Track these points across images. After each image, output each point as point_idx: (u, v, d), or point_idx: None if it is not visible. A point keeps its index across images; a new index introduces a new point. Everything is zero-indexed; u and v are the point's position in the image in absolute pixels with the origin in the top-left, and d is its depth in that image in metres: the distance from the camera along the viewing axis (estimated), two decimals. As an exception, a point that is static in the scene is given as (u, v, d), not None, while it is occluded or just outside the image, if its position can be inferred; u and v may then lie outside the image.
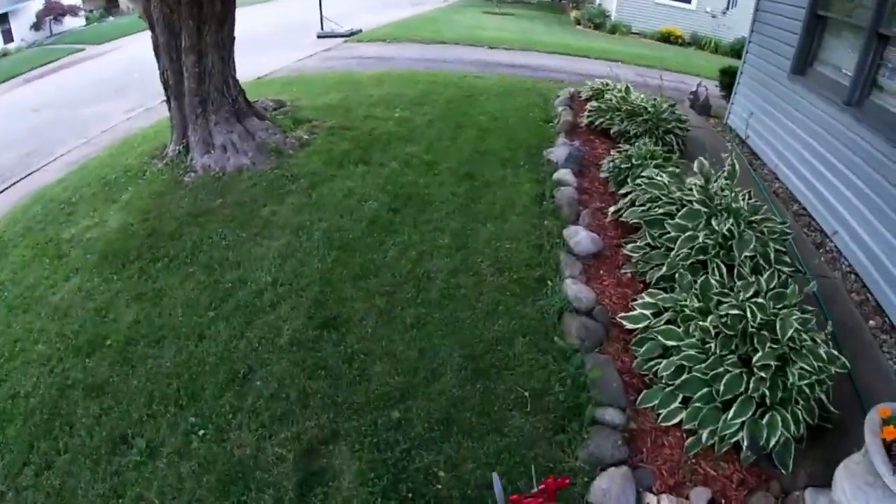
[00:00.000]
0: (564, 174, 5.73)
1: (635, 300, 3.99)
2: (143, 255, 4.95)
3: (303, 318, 4.09)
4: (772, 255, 3.97)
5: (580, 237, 4.64)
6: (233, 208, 5.58)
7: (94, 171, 7.00)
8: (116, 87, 12.47)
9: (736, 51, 20.30)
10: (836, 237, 5.28)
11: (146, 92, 10.41)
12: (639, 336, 3.72)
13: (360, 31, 17.61)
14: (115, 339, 4.03)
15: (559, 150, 6.20)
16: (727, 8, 20.26)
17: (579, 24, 23.78)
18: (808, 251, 5.20)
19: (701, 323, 3.41)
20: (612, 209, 5.16)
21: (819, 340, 3.30)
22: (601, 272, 4.52)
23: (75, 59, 18.71)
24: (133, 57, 15.21)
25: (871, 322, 4.41)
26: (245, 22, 22.34)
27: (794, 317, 3.30)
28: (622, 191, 5.29)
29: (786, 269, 4.01)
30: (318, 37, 16.69)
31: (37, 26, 28.54)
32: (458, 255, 4.68)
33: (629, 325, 3.78)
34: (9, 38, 26.92)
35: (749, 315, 3.29)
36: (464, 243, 4.83)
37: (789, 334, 3.17)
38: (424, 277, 4.43)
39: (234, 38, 6.78)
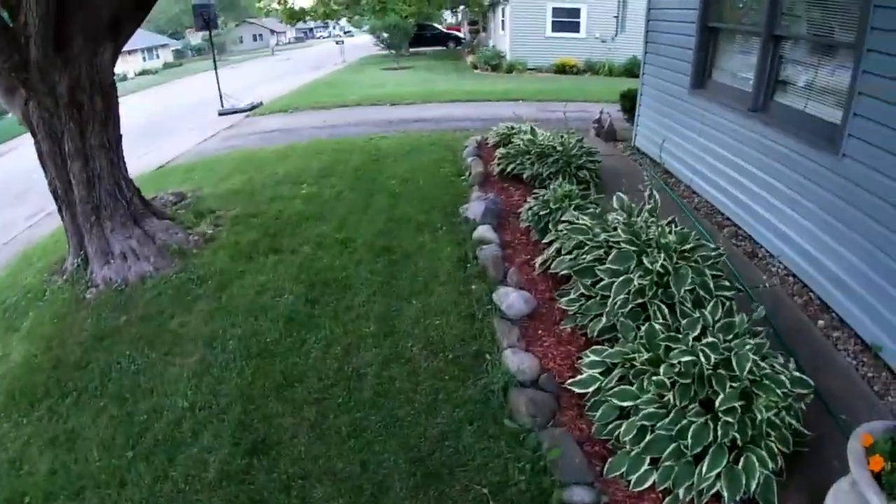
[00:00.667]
0: (484, 231, 5.51)
1: (580, 359, 3.73)
2: (50, 391, 4.39)
3: (228, 445, 3.61)
4: (710, 284, 3.80)
5: (511, 299, 4.37)
6: (139, 325, 5.06)
7: (-6, 296, 6.34)
8: (16, 191, 11.50)
9: (629, 70, 21.27)
10: (766, 242, 5.27)
11: (47, 194, 9.72)
12: (592, 400, 3.45)
13: (261, 103, 17.43)
14: (34, 496, 3.49)
15: (475, 206, 5.99)
16: (616, 34, 21.12)
17: (476, 68, 24.34)
18: (741, 263, 5.13)
19: (655, 377, 3.18)
20: (539, 261, 4.94)
21: (778, 365, 3.16)
22: (539, 332, 4.24)
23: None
24: (32, 157, 14.28)
25: (820, 322, 4.39)
26: (143, 107, 21.88)
27: (748, 346, 3.15)
28: (546, 239, 5.10)
29: (727, 293, 3.87)
30: (219, 114, 16.43)
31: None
32: (386, 342, 4.31)
33: (579, 391, 3.52)
34: None
35: (702, 359, 3.09)
36: (391, 328, 4.47)
37: (748, 368, 3.00)
38: (354, 375, 4.03)
39: (120, 136, 6.32)
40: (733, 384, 3.00)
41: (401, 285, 5.02)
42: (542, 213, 5.33)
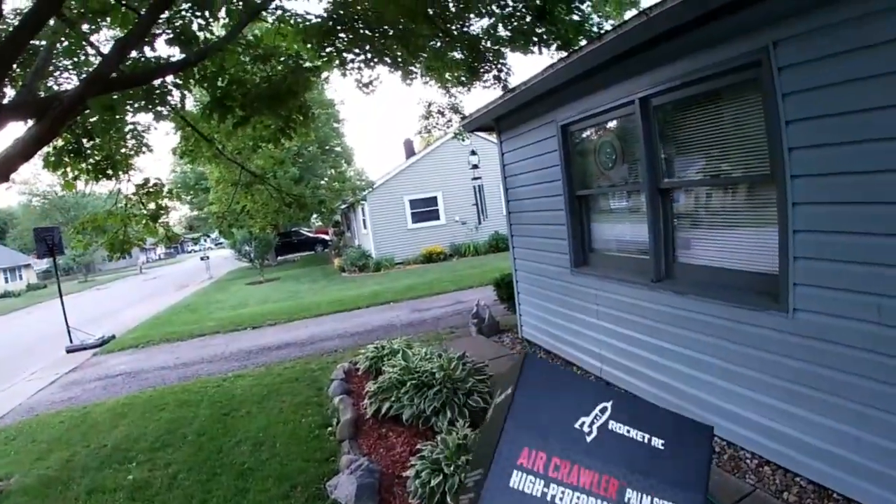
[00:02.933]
0: (359, 528, 4.02)
1: None
2: None
3: None
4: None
5: None
6: None
7: None
8: None
9: (494, 246, 21.80)
10: (722, 431, 4.31)
11: None
12: None
13: (114, 336, 15.35)
14: None
15: (345, 483, 4.43)
16: (479, 222, 21.61)
17: (344, 270, 23.82)
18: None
19: None
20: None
21: None
22: None
23: None
24: None
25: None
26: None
27: None
28: (443, 526, 3.75)
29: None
30: (68, 351, 14.16)
31: None
32: None
33: None
34: None
35: None
36: None
37: None
38: None
39: None
40: None
41: None
42: (433, 482, 4.02)
